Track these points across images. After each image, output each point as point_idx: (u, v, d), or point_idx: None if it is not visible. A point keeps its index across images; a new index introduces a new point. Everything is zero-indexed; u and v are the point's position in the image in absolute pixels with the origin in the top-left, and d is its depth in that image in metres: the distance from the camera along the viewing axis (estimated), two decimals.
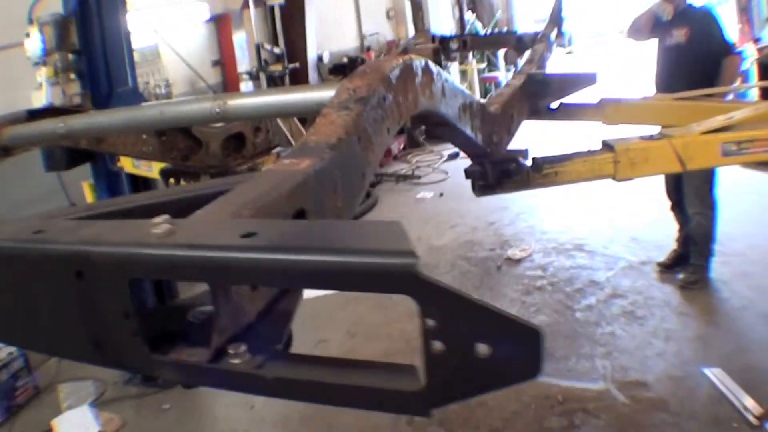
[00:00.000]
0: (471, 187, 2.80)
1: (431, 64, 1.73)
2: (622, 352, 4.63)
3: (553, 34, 4.74)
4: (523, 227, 7.28)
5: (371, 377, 0.87)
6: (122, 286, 0.85)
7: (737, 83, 5.68)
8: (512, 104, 2.86)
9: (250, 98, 2.16)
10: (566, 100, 3.76)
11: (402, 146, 11.16)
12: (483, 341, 0.77)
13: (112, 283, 0.85)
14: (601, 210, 7.30)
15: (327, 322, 5.64)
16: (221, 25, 8.15)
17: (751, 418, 3.77)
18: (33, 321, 0.95)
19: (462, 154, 10.45)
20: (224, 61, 8.26)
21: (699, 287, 5.37)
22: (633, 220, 6.84)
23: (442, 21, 14.32)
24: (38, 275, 0.91)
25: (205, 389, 4.52)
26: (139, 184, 4.67)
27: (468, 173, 2.71)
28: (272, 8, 8.66)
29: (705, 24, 5.20)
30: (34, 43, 4.31)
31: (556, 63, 14.17)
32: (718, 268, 5.57)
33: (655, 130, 2.85)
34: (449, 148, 10.65)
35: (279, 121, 2.81)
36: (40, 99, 4.35)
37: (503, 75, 13.68)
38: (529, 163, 2.76)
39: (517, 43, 5.04)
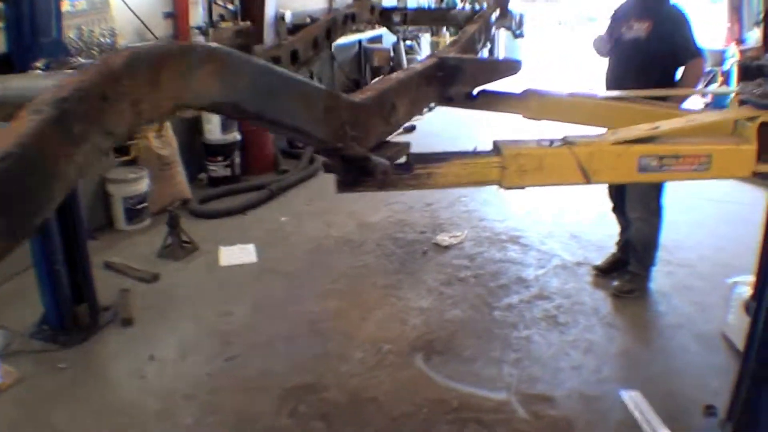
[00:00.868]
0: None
1: (225, 51, 1.45)
2: (534, 361, 4.36)
3: (495, 14, 4.39)
4: (461, 211, 7.00)
5: None
6: None
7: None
8: (398, 92, 2.54)
9: None
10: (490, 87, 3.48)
11: None
12: None
13: None
14: (548, 199, 7.01)
15: (236, 294, 5.45)
16: None
17: None
18: None
19: (419, 126, 10.34)
20: (177, 13, 7.80)
21: (634, 297, 5.08)
22: (578, 215, 6.58)
23: None
24: None
25: (100, 351, 4.77)
26: None
27: (326, 167, 2.39)
28: None
29: (672, 21, 4.74)
30: None
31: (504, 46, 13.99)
32: (659, 278, 5.30)
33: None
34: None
35: None
36: None
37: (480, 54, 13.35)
38: (402, 160, 2.44)
39: (453, 21, 4.70)
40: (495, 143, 2.47)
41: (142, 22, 6.86)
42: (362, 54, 11.60)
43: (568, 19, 20.65)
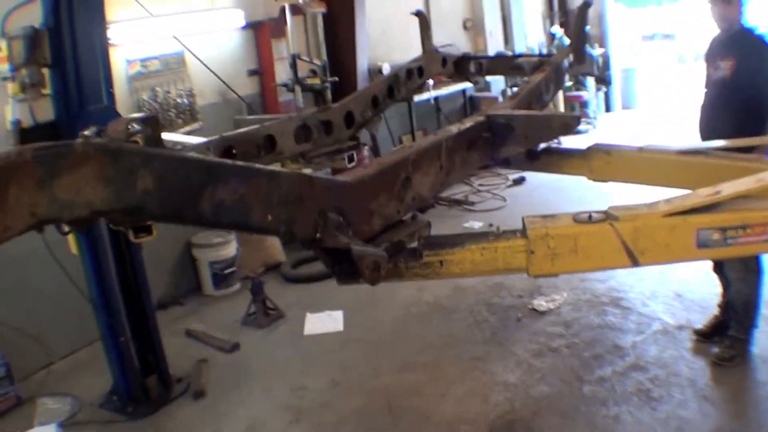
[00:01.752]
0: None
1: (109, 149, 1.22)
2: None
3: (569, 59, 3.97)
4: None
5: None
6: None
7: None
8: (416, 163, 2.23)
9: None
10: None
11: None
12: None
13: None
14: None
15: (315, 366, 5.22)
16: (259, 32, 7.69)
17: None
18: None
19: (529, 177, 9.84)
20: (262, 71, 7.80)
21: (734, 364, 4.49)
22: (686, 270, 5.93)
23: (532, 34, 13.48)
24: None
25: (167, 425, 4.63)
26: None
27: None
28: (315, 16, 8.14)
29: (756, 57, 4.22)
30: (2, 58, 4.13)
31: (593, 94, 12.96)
32: (763, 341, 4.67)
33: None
34: (517, 172, 9.91)
35: None
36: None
37: (593, 94, 12.74)
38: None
39: (519, 70, 4.31)
40: (523, 221, 2.08)
41: (222, 80, 6.82)
42: (467, 103, 11.28)
43: (687, 55, 19.14)
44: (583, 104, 12.53)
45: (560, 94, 12.01)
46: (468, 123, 2.73)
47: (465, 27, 12.01)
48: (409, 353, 5.22)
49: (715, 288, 5.01)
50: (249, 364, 5.33)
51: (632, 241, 1.98)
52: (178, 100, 6.75)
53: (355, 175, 2.04)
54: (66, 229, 1.68)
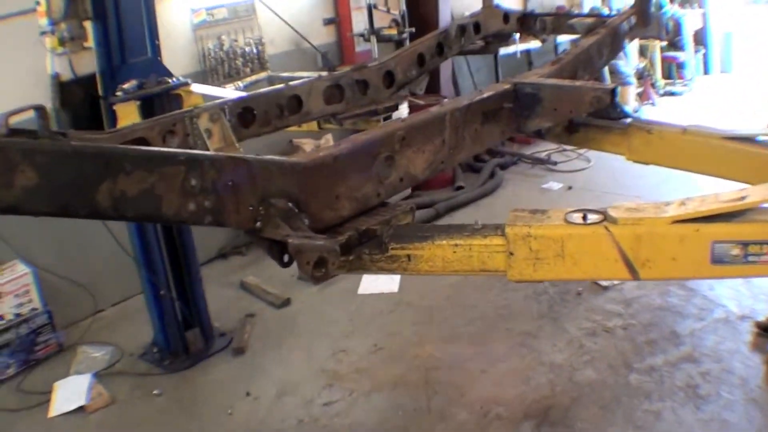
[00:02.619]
0: None
1: None
2: None
3: (630, 21, 3.58)
4: None
5: None
6: None
7: None
8: (407, 138, 2.01)
9: None
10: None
11: None
12: None
13: None
14: None
15: (361, 327, 5.10)
16: None
17: None
18: None
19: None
20: (340, 19, 7.57)
21: None
22: None
23: None
24: None
25: (200, 380, 4.62)
26: None
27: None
28: None
29: None
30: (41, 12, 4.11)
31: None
32: None
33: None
34: None
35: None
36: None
37: (691, 55, 11.89)
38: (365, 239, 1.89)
39: (572, 31, 3.93)
40: (509, 218, 1.82)
41: (294, 29, 6.65)
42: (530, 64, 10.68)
43: None
44: (680, 65, 11.74)
45: (657, 54, 11.27)
46: (487, 92, 2.45)
47: None
48: (459, 323, 5.00)
49: None
50: (296, 322, 5.23)
51: (632, 250, 1.69)
52: (246, 49, 6.61)
53: (313, 156, 1.83)
54: None
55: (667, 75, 11.71)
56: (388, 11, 7.27)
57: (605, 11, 10.11)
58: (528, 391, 4.11)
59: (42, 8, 3.97)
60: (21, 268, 4.88)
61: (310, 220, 1.84)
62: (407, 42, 7.10)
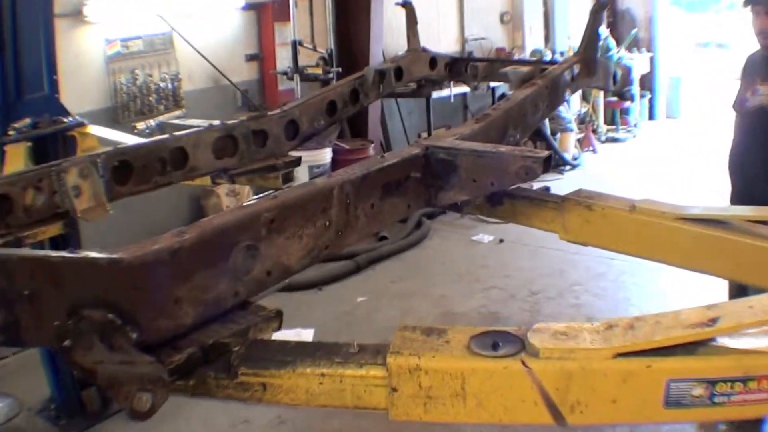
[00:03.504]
0: None
1: None
2: None
3: (573, 71, 3.21)
4: (569, 305, 5.74)
5: None
6: None
7: None
8: (278, 224, 1.59)
9: None
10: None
11: None
12: None
13: None
14: (686, 290, 5.20)
15: None
16: (262, 14, 7.03)
17: None
18: None
19: (552, 188, 9.00)
20: (264, 56, 7.14)
21: None
22: None
23: (576, 33, 12.51)
24: None
25: None
26: None
27: None
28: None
29: None
30: None
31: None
32: None
33: None
34: (542, 180, 9.15)
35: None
36: None
37: (636, 101, 11.79)
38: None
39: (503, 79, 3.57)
40: (395, 339, 1.37)
41: (212, 64, 6.22)
42: (496, 101, 10.44)
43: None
44: (624, 111, 11.62)
45: (601, 98, 11.12)
46: (390, 159, 2.00)
47: (502, 21, 11.17)
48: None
49: None
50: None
51: (558, 392, 1.24)
52: (161, 85, 6.13)
53: (141, 251, 1.34)
54: None
55: (611, 121, 11.60)
56: (314, 49, 6.88)
57: (547, 54, 9.92)
58: None
59: None
60: None
61: (141, 332, 1.36)
62: (333, 82, 6.70)
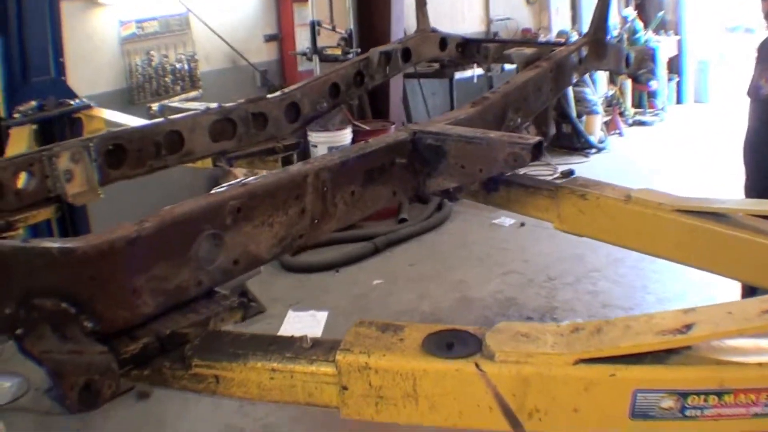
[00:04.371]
0: None
1: None
2: None
3: (581, 53, 3.12)
4: (585, 291, 5.62)
5: None
6: None
7: None
8: (246, 211, 1.58)
9: None
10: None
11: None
12: None
13: None
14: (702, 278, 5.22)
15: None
16: None
17: None
18: None
19: (579, 170, 8.87)
20: (283, 36, 7.08)
21: None
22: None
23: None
24: None
25: (99, 426, 4.13)
26: None
27: None
28: None
29: None
30: None
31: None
32: None
33: None
34: (567, 162, 9.07)
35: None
36: None
37: (663, 84, 11.53)
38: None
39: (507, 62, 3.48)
40: (348, 335, 1.32)
41: (229, 44, 6.16)
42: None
43: None
44: (651, 94, 11.38)
45: (628, 81, 10.87)
46: (373, 145, 1.95)
47: (528, 1, 10.98)
48: None
49: None
50: None
51: (515, 398, 1.19)
52: (177, 65, 6.10)
53: (97, 240, 1.31)
54: None
55: (638, 104, 11.36)
56: (333, 29, 6.79)
57: (573, 36, 9.73)
58: None
59: None
60: None
61: (98, 322, 1.34)
62: None
